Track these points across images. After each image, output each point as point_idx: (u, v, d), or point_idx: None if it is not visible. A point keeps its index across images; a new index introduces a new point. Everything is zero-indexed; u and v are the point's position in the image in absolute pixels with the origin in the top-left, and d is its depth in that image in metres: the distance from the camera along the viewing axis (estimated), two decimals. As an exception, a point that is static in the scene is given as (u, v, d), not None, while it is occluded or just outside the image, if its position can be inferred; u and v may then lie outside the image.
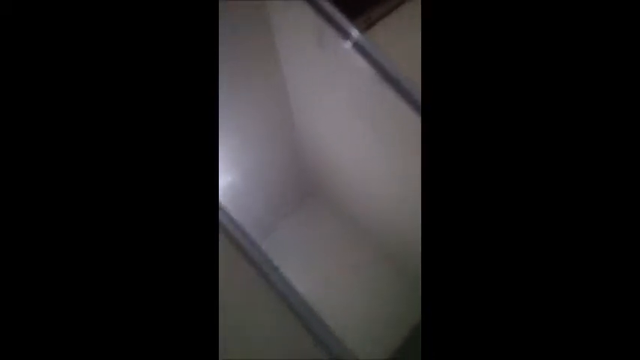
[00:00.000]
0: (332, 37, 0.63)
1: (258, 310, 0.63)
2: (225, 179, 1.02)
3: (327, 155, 1.16)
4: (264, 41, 0.81)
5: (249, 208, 1.17)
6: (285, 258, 1.27)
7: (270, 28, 0.78)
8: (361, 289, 1.33)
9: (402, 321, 1.15)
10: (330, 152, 1.13)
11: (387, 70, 0.60)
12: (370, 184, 1.06)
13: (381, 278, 1.34)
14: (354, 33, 0.62)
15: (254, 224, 1.22)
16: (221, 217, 0.53)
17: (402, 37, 1.15)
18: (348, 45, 0.62)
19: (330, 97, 0.85)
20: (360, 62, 0.61)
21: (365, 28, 1.10)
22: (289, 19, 0.72)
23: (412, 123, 0.59)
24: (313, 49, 0.71)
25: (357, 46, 0.61)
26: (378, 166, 0.94)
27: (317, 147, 1.18)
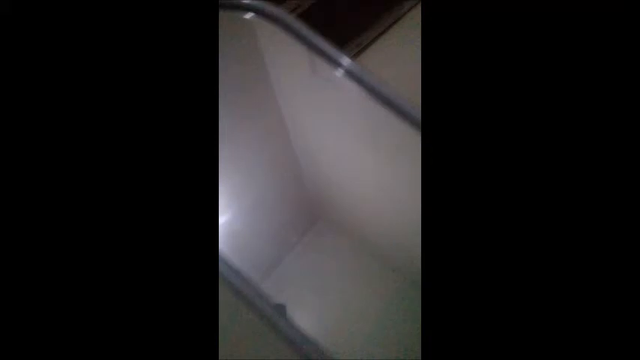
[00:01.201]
0: (323, 67, 0.64)
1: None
2: (223, 217, 1.01)
3: (330, 181, 1.18)
4: (258, 75, 0.82)
5: (250, 245, 1.16)
6: (295, 291, 1.26)
7: (264, 64, 0.80)
8: (385, 317, 1.27)
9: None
10: (332, 177, 1.15)
11: (380, 92, 0.61)
12: (375, 203, 1.07)
13: (405, 303, 1.27)
14: (345, 61, 0.63)
15: (257, 261, 1.21)
16: (220, 264, 0.52)
17: (393, 60, 1.17)
18: (340, 73, 0.63)
19: (327, 123, 0.87)
20: (354, 88, 0.62)
21: (356, 54, 1.12)
22: (282, 55, 0.74)
23: (411, 140, 0.60)
24: (307, 80, 0.73)
25: (349, 73, 0.63)
26: (382, 186, 0.95)
27: (318, 174, 1.19)
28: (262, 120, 0.93)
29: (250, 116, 0.91)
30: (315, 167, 1.17)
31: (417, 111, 0.60)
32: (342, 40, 1.12)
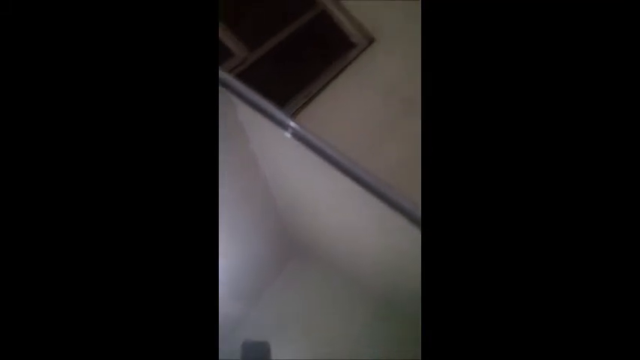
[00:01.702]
0: (273, 130, 0.71)
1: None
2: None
3: (305, 215, 1.21)
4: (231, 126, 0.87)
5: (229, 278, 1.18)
6: (279, 324, 1.24)
7: (234, 109, 0.85)
8: (366, 346, 1.28)
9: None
10: (306, 211, 1.18)
11: (324, 152, 0.68)
12: (349, 233, 1.11)
13: (385, 328, 1.29)
14: (292, 124, 0.70)
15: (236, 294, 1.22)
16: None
17: (342, 106, 1.25)
18: (288, 134, 0.70)
19: (292, 174, 0.92)
20: (302, 148, 0.69)
21: (304, 104, 1.19)
22: (250, 117, 0.79)
23: (357, 196, 0.67)
24: (267, 136, 0.78)
25: (295, 135, 0.69)
26: (352, 218, 0.99)
27: (293, 205, 1.21)
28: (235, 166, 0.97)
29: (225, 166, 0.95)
30: (289, 199, 1.19)
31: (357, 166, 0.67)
32: (291, 91, 1.19)
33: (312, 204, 1.05)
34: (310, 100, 1.21)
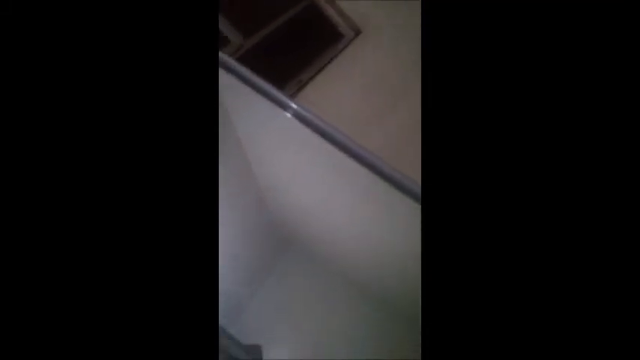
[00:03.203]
0: (275, 110, 0.74)
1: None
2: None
3: (294, 209, 1.22)
4: (221, 115, 0.90)
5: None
6: (271, 320, 1.23)
7: (224, 105, 0.89)
8: (357, 338, 1.30)
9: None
10: (296, 205, 1.19)
11: (325, 132, 0.72)
12: (338, 228, 1.12)
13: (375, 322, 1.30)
14: (294, 104, 0.73)
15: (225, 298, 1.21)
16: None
17: (331, 94, 1.29)
18: (289, 114, 0.74)
19: (285, 156, 0.94)
20: (302, 128, 0.73)
21: (297, 90, 1.23)
22: (238, 99, 0.82)
23: (356, 174, 0.71)
24: (263, 121, 0.82)
25: (297, 115, 0.73)
26: (340, 211, 1.02)
27: (284, 204, 1.23)
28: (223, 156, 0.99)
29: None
30: (279, 195, 1.21)
31: (353, 142, 0.71)
32: (284, 79, 1.23)
33: (306, 192, 1.07)
34: (301, 87, 1.25)
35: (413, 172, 0.67)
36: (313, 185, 0.99)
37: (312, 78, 1.27)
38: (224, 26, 1.17)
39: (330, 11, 1.50)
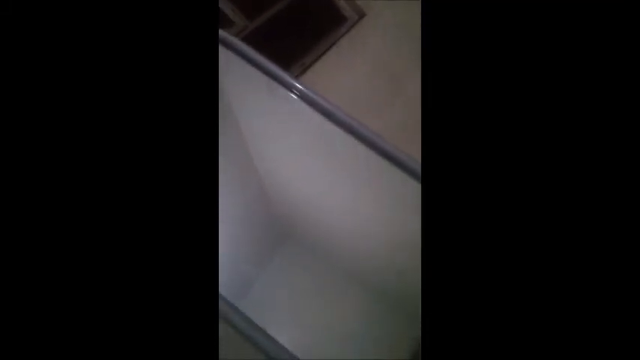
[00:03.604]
0: (280, 90, 0.74)
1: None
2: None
3: (297, 198, 1.21)
4: (221, 103, 0.88)
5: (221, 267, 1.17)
6: (270, 311, 1.24)
7: (225, 92, 0.87)
8: (357, 332, 1.29)
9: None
10: (296, 196, 1.18)
11: (330, 113, 0.71)
12: (339, 219, 1.12)
13: (375, 315, 1.30)
14: (299, 84, 0.73)
15: (229, 283, 1.21)
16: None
17: (334, 78, 1.28)
18: (295, 96, 0.73)
19: (288, 143, 0.93)
20: (307, 110, 0.72)
21: (300, 73, 1.22)
22: (241, 82, 0.81)
23: (361, 156, 0.70)
24: (266, 103, 0.81)
25: (303, 96, 0.72)
26: (342, 201, 1.02)
27: (284, 192, 1.22)
28: (222, 138, 0.98)
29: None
30: (280, 186, 1.20)
31: (360, 126, 0.71)
32: (287, 62, 1.22)
33: (308, 180, 1.06)
34: (305, 70, 1.24)
35: (417, 154, 0.67)
36: (316, 172, 0.98)
37: (315, 61, 1.26)
38: (227, 8, 1.15)
39: (333, -6, 1.48)
